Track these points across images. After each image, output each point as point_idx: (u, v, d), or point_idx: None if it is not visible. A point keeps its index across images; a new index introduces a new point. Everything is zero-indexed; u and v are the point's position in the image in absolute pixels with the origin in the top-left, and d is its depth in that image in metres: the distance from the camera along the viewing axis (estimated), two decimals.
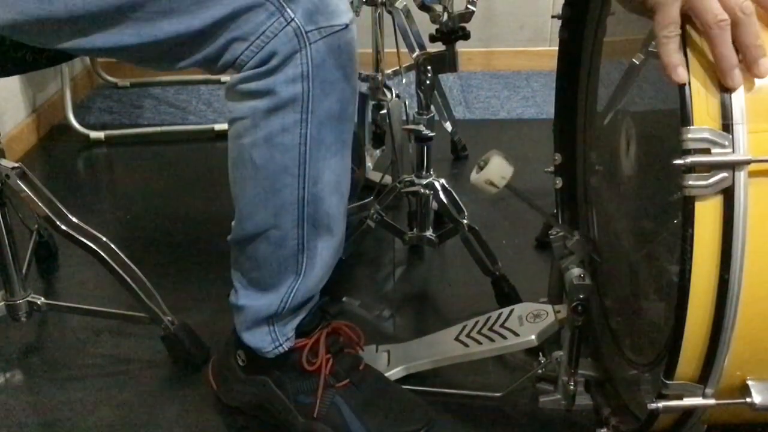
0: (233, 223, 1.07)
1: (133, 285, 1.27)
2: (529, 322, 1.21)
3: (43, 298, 1.32)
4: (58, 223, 1.26)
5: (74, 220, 1.28)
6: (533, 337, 1.19)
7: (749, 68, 0.79)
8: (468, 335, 1.26)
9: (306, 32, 0.92)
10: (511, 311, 1.24)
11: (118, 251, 1.28)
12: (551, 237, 1.14)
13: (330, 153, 1.00)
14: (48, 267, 1.57)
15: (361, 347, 1.20)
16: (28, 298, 1.31)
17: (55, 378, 1.31)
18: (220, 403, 1.23)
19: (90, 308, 1.36)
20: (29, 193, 1.25)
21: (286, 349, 1.12)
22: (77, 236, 1.27)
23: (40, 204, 1.26)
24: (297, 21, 0.92)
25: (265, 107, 0.96)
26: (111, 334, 1.39)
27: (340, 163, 1.03)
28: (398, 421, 1.13)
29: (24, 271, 1.34)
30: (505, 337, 1.21)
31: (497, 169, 1.11)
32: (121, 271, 1.27)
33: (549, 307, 1.21)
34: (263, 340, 1.11)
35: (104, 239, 1.28)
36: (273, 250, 1.05)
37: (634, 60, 1.02)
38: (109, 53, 0.99)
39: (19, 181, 1.24)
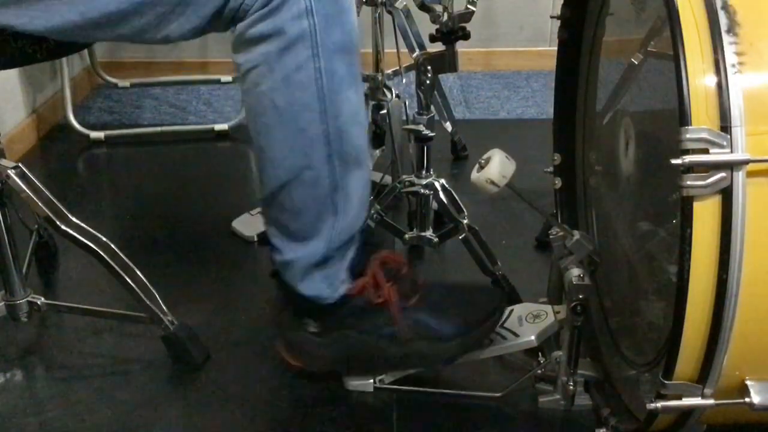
0: (261, 180, 1.09)
1: (133, 285, 1.27)
2: (528, 322, 1.21)
3: (43, 298, 1.32)
4: (57, 223, 1.26)
5: (74, 220, 1.28)
6: (533, 337, 1.19)
7: None
8: None
9: None
10: (511, 311, 1.24)
11: (117, 251, 1.28)
12: (551, 237, 1.14)
13: (345, 85, 1.03)
14: (48, 267, 1.56)
15: (407, 266, 1.23)
16: (28, 298, 1.31)
17: (55, 378, 1.31)
18: (219, 403, 1.23)
19: (90, 308, 1.36)
20: (29, 193, 1.25)
21: (343, 292, 1.15)
22: (77, 236, 1.27)
23: (40, 204, 1.25)
24: None
25: (276, 48, 0.98)
26: (111, 334, 1.39)
27: (355, 94, 1.05)
28: (477, 308, 1.19)
29: (24, 271, 1.34)
30: (504, 338, 1.21)
31: (498, 168, 1.12)
32: (120, 272, 1.27)
33: (549, 308, 1.21)
34: (319, 287, 1.14)
35: (104, 239, 1.28)
36: (309, 192, 1.07)
37: (633, 60, 1.02)
38: (123, 17, 0.99)
39: (18, 181, 1.24)
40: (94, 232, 1.28)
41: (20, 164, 1.26)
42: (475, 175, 1.12)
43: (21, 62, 1.10)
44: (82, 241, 1.27)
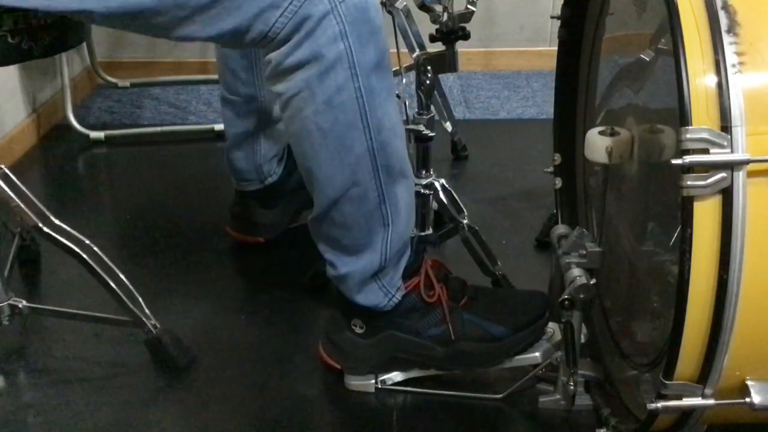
0: (313, 199, 1.13)
1: (116, 288, 1.25)
2: None
3: (24, 302, 1.31)
4: (40, 225, 1.24)
5: (57, 222, 1.26)
6: (537, 354, 1.21)
7: None
8: None
9: None
10: None
11: (101, 254, 1.26)
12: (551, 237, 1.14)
13: (383, 100, 1.06)
14: (31, 270, 1.55)
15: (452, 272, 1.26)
16: (10, 302, 1.30)
17: (39, 383, 1.29)
18: (218, 404, 1.23)
19: (72, 311, 1.34)
20: (11, 195, 1.23)
21: (400, 298, 1.18)
22: (59, 239, 1.25)
23: (22, 206, 1.23)
24: None
25: (317, 73, 1.01)
26: (97, 337, 1.37)
27: (393, 108, 1.09)
28: (523, 312, 1.21)
29: (6, 274, 1.32)
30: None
31: None
32: (103, 275, 1.25)
33: (555, 326, 1.21)
34: (376, 296, 1.17)
35: (87, 242, 1.26)
36: (357, 207, 1.10)
37: (640, 57, 1.02)
38: (140, 11, 1.01)
39: (1, 183, 1.22)
40: (77, 234, 1.26)
41: (2, 166, 1.25)
42: None
43: (17, 59, 1.10)
44: (65, 244, 1.25)
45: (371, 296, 1.17)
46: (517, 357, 1.21)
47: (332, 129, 1.05)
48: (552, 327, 1.22)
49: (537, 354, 1.21)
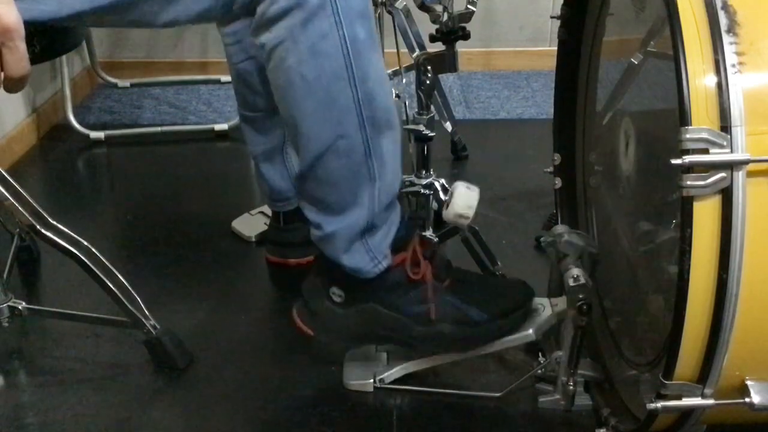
0: (297, 155, 1.10)
1: (114, 289, 1.25)
2: None
3: (24, 303, 1.30)
4: (37, 227, 1.24)
5: (54, 223, 1.25)
6: (531, 331, 1.19)
7: None
8: None
9: None
10: None
11: (99, 255, 1.25)
12: (542, 241, 1.14)
13: (368, 49, 1.03)
14: (30, 271, 1.55)
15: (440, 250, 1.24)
16: (9, 303, 1.29)
17: (38, 383, 1.29)
18: (218, 403, 1.23)
19: (71, 312, 1.34)
20: (9, 196, 1.22)
21: (385, 266, 1.15)
22: (57, 240, 1.24)
23: (19, 208, 1.23)
24: None
25: (299, 20, 0.99)
26: (97, 337, 1.37)
27: (377, 58, 1.06)
28: (507, 299, 1.19)
29: (5, 275, 1.32)
30: None
31: (462, 201, 1.13)
32: (102, 276, 1.25)
33: (546, 301, 1.20)
34: (362, 259, 1.14)
35: (85, 243, 1.25)
36: (344, 161, 1.07)
37: (632, 60, 1.02)
38: (129, 2, 1.00)
39: None
40: (74, 235, 1.25)
41: None
42: (445, 213, 1.13)
43: (41, 58, 1.09)
44: (63, 245, 1.24)
45: (357, 258, 1.14)
46: (510, 337, 1.19)
47: (317, 79, 1.02)
48: (542, 303, 1.21)
49: (530, 331, 1.19)
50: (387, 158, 1.10)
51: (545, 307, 1.20)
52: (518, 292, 1.21)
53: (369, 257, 1.14)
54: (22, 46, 0.92)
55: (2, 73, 0.92)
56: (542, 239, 1.15)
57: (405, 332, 1.18)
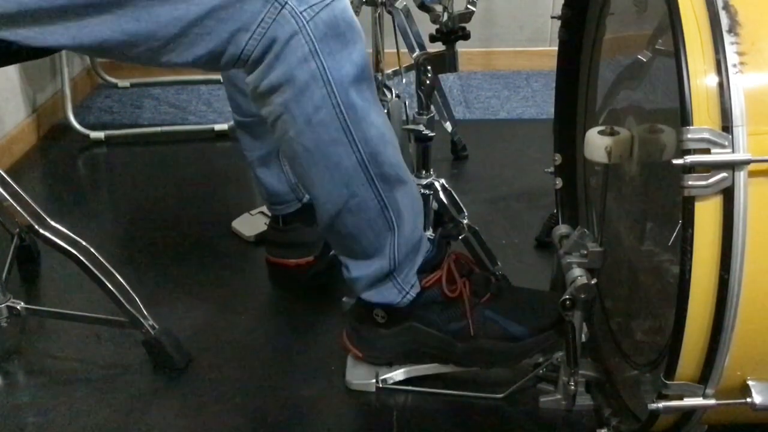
0: (316, 213, 1.14)
1: (113, 289, 1.25)
2: None
3: (23, 303, 1.30)
4: (36, 227, 1.24)
5: (53, 224, 1.25)
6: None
7: None
8: None
9: (300, 12, 0.97)
10: None
11: (98, 255, 1.25)
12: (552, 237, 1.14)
13: (365, 112, 1.05)
14: (29, 271, 1.55)
15: (478, 267, 1.27)
16: (8, 303, 1.30)
17: (38, 383, 1.29)
18: (218, 404, 1.23)
19: (70, 312, 1.34)
20: (7, 197, 1.23)
21: (414, 295, 1.19)
22: (56, 240, 1.24)
23: (18, 208, 1.23)
24: (290, 4, 0.96)
25: (291, 95, 1.01)
26: (96, 337, 1.37)
27: (377, 117, 1.07)
28: (545, 314, 1.19)
29: (4, 275, 1.32)
30: None
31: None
32: (100, 276, 1.25)
33: None
34: (390, 294, 1.18)
35: (84, 243, 1.25)
36: (360, 217, 1.11)
37: (640, 57, 1.02)
38: (115, 46, 1.01)
39: None
40: (73, 236, 1.25)
41: None
42: None
43: (7, 60, 1.10)
44: (62, 246, 1.25)
45: (385, 293, 1.18)
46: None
47: (317, 147, 1.05)
48: None
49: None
50: (403, 210, 1.13)
51: None
52: (555, 308, 1.21)
53: (397, 290, 1.18)
54: None
55: None
56: (553, 231, 1.15)
57: (447, 349, 1.21)
